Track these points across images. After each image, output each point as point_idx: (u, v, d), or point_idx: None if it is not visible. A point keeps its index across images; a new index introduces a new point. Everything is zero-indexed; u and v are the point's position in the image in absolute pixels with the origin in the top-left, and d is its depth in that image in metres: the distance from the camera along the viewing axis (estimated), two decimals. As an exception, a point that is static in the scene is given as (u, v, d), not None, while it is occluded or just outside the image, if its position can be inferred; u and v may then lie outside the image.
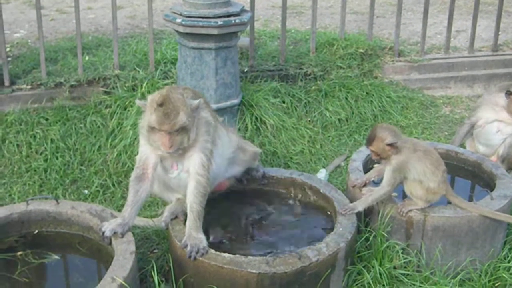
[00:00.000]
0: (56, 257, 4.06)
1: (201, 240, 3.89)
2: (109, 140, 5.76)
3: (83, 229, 4.16)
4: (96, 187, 5.38)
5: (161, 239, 4.56)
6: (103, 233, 3.91)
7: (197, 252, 3.81)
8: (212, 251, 3.84)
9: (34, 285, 3.86)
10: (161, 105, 3.79)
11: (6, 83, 6.17)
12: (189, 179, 4.00)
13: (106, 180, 5.45)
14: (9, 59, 6.53)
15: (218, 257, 3.78)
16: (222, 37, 5.51)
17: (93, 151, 5.73)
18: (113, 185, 5.42)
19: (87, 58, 6.69)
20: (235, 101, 5.82)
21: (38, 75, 6.32)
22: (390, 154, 4.30)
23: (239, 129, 5.88)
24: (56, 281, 3.95)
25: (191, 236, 3.90)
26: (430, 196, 4.32)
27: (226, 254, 3.81)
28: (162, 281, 3.99)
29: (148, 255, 4.44)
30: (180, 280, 3.94)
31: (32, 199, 4.24)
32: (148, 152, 4.02)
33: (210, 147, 4.04)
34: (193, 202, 3.95)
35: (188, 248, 3.83)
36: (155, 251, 4.51)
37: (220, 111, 5.68)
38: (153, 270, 3.94)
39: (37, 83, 6.21)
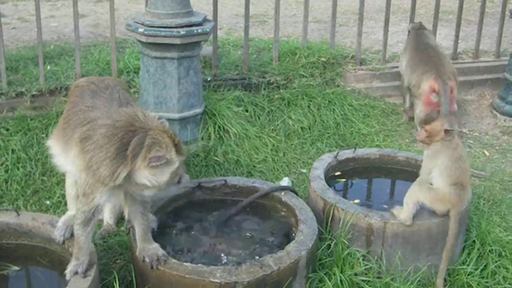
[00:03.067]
0: (16, 268, 4.03)
1: (156, 248, 3.88)
2: (72, 151, 5.71)
3: (44, 240, 4.12)
4: (58, 197, 5.32)
5: (124, 249, 4.55)
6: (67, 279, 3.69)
7: (157, 260, 3.80)
8: (174, 260, 3.85)
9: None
10: None
11: (-33, 93, 6.11)
12: (137, 199, 3.86)
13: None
14: (-30, 68, 6.45)
15: (180, 267, 3.79)
16: (184, 47, 5.54)
17: (55, 161, 5.68)
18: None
19: (49, 67, 6.65)
20: (198, 110, 5.84)
21: (-1, 84, 6.27)
22: (439, 139, 4.43)
23: (202, 138, 5.90)
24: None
25: (145, 248, 3.88)
26: (435, 203, 4.38)
27: (188, 264, 3.82)
28: (119, 294, 3.98)
29: (110, 265, 4.43)
30: (143, 290, 3.94)
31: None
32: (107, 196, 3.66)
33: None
34: (141, 219, 3.92)
35: (147, 260, 3.81)
36: (117, 261, 4.50)
37: (183, 121, 5.72)
38: (115, 281, 3.93)
39: (-3, 92, 6.16)
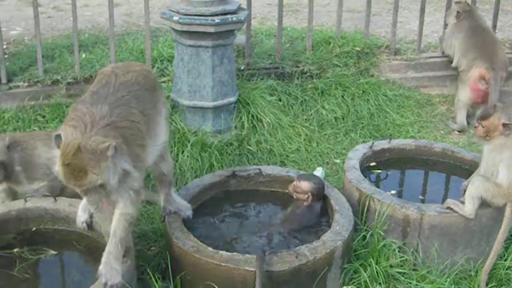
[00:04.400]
0: (53, 252, 4.05)
1: (118, 272, 3.53)
2: (106, 137, 5.75)
3: (80, 226, 4.16)
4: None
5: (158, 237, 4.57)
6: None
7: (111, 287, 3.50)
8: (210, 248, 3.84)
9: (33, 281, 3.85)
10: (67, 165, 3.26)
11: (3, 80, 6.17)
12: (116, 206, 3.63)
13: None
14: (6, 56, 6.51)
15: (215, 255, 3.79)
16: (219, 35, 5.52)
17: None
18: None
19: (83, 55, 6.69)
20: (232, 99, 5.83)
21: (35, 72, 6.32)
22: (497, 134, 4.39)
23: (235, 127, 5.89)
24: (54, 277, 3.94)
25: (108, 264, 3.53)
26: (496, 197, 4.33)
27: (223, 252, 3.81)
28: (159, 279, 3.98)
29: (145, 252, 4.45)
30: (178, 277, 3.94)
31: (30, 197, 4.24)
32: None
33: (138, 182, 3.60)
34: (117, 228, 3.60)
35: (103, 280, 3.48)
36: (152, 248, 4.53)
37: (216, 109, 5.71)
38: (150, 268, 3.95)
39: (34, 80, 6.21)
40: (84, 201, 3.91)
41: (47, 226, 4.17)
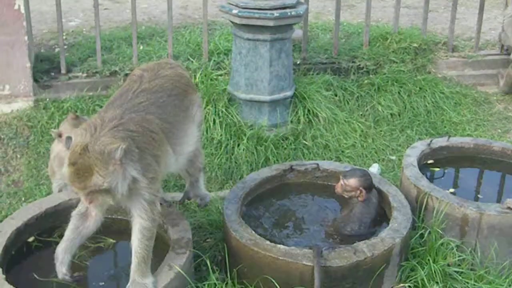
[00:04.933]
0: (111, 240, 4.12)
1: (147, 286, 3.49)
2: (162, 129, 5.80)
3: (139, 216, 4.20)
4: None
5: (214, 229, 4.59)
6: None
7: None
8: (267, 242, 3.85)
9: (92, 268, 3.93)
10: (73, 164, 3.19)
11: (63, 70, 6.29)
12: (133, 221, 3.56)
13: (158, 169, 5.48)
14: (65, 47, 6.62)
15: (273, 249, 3.79)
16: (277, 29, 5.53)
17: (147, 140, 5.78)
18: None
19: (141, 47, 6.77)
20: (288, 93, 5.83)
21: (93, 63, 6.42)
22: None
23: (291, 121, 5.88)
24: (113, 265, 4.00)
25: (135, 281, 3.50)
26: None
27: (281, 246, 3.81)
28: (215, 271, 4.01)
29: (201, 244, 4.48)
30: (234, 270, 3.96)
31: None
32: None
33: (150, 192, 3.49)
34: (137, 247, 3.52)
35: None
36: (207, 240, 4.55)
37: (273, 103, 5.71)
38: (207, 259, 3.97)
39: (92, 71, 6.31)
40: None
41: (106, 215, 4.20)
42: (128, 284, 3.50)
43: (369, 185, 4.39)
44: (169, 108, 3.72)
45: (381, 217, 4.41)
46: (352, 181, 4.39)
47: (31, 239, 4.06)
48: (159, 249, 4.00)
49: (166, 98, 3.72)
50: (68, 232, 3.67)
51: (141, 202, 3.48)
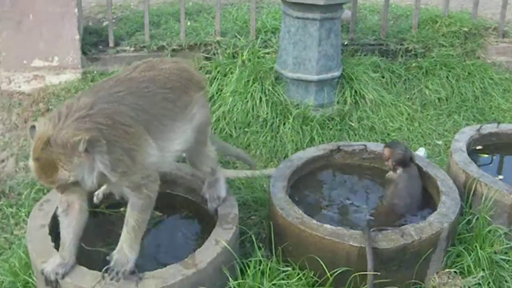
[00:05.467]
0: (158, 213, 4.13)
1: (129, 260, 3.41)
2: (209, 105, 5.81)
3: (185, 190, 4.23)
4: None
5: (259, 206, 4.59)
6: (46, 276, 3.43)
7: (117, 273, 3.35)
8: (314, 221, 3.83)
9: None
10: (37, 159, 3.03)
11: (111, 44, 6.32)
12: (128, 196, 3.44)
13: (204, 144, 5.49)
14: (113, 21, 6.65)
15: (320, 228, 3.77)
16: (327, 8, 5.47)
17: (192, 116, 5.79)
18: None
19: (188, 23, 6.75)
20: (336, 73, 5.78)
21: (141, 37, 6.43)
22: None
23: (337, 102, 5.84)
24: (159, 238, 4.02)
25: (121, 251, 3.43)
26: None
27: (328, 225, 3.79)
28: (260, 248, 4.01)
29: (245, 220, 4.48)
30: (279, 248, 3.95)
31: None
32: None
33: (130, 179, 3.33)
34: (128, 217, 3.43)
35: (111, 263, 3.39)
36: (252, 217, 4.55)
37: (320, 83, 5.67)
38: (253, 236, 3.97)
39: (140, 45, 6.32)
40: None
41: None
42: (115, 250, 3.45)
43: (399, 160, 4.37)
44: (157, 100, 3.48)
45: (427, 203, 4.36)
46: (386, 151, 4.45)
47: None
48: (205, 224, 4.06)
49: (156, 89, 3.49)
50: (64, 234, 3.48)
51: (125, 189, 3.39)
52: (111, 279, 3.35)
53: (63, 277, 3.40)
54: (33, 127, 3.10)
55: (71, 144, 2.98)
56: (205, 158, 3.97)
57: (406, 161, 4.38)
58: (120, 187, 3.38)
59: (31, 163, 3.08)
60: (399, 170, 4.36)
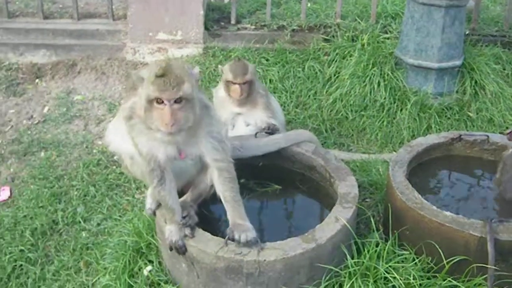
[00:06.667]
0: (278, 187, 4.22)
1: (248, 228, 3.47)
2: (325, 87, 5.87)
3: (305, 167, 4.29)
4: (309, 131, 5.48)
5: (374, 190, 4.60)
6: (178, 246, 3.53)
7: (246, 243, 3.41)
8: (434, 207, 3.81)
9: (259, 211, 4.10)
10: (162, 75, 3.22)
11: (233, 21, 6.46)
12: (210, 168, 3.60)
13: (319, 125, 5.56)
14: (234, -1, 6.79)
15: (439, 214, 3.75)
16: (454, -5, 5.40)
17: (309, 96, 5.87)
18: (326, 130, 5.52)
19: (309, 4, 6.80)
20: (457, 62, 5.70)
21: (262, 16, 6.54)
22: None
23: (457, 91, 5.75)
24: (279, 211, 4.12)
25: (236, 224, 3.50)
26: None
27: (448, 213, 3.76)
28: (379, 229, 4.03)
29: (360, 203, 4.49)
30: (396, 232, 3.95)
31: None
32: (153, 145, 3.43)
33: (216, 129, 3.54)
34: (224, 191, 3.55)
35: (236, 236, 3.43)
36: (366, 200, 4.56)
37: (440, 71, 5.61)
38: (371, 217, 4.00)
39: (260, 24, 6.44)
40: (151, 189, 3.75)
41: (275, 162, 4.31)
42: (229, 226, 3.50)
43: None
44: None
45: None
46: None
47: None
48: (322, 202, 4.11)
49: None
50: (170, 202, 3.56)
51: (210, 141, 3.49)
52: (236, 245, 3.44)
53: (192, 235, 3.52)
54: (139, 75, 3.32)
55: (187, 68, 3.34)
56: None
57: None
58: (204, 145, 3.49)
59: (151, 84, 3.22)
60: None
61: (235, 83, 4.53)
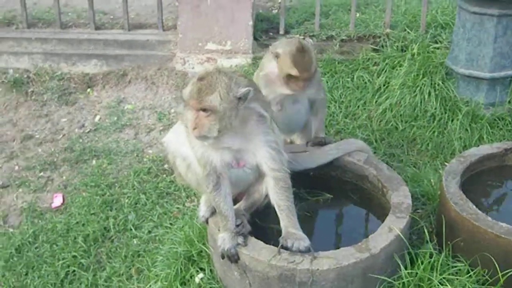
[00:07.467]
0: (329, 195, 4.22)
1: (302, 237, 3.48)
2: (375, 97, 5.84)
3: (356, 177, 4.27)
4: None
5: (426, 200, 4.55)
6: (230, 254, 3.54)
7: (301, 251, 3.41)
8: (489, 218, 3.75)
9: (312, 219, 4.09)
10: (201, 79, 3.32)
11: (281, 31, 6.50)
12: (266, 177, 3.61)
13: (369, 136, 5.52)
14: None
15: (495, 226, 3.69)
16: (507, 4, 5.33)
17: (358, 106, 5.84)
18: (376, 141, 5.49)
19: (357, 14, 6.79)
20: (510, 72, 5.63)
21: (310, 26, 6.56)
22: None
23: (509, 102, 5.67)
24: (330, 219, 4.12)
25: (289, 233, 3.51)
26: None
27: (503, 224, 3.70)
28: (433, 240, 3.98)
29: (412, 213, 4.46)
30: (449, 243, 3.90)
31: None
32: (206, 149, 3.50)
33: (273, 138, 3.54)
34: (279, 200, 3.57)
35: (289, 245, 3.43)
36: (418, 211, 4.52)
37: (492, 81, 5.54)
38: (425, 227, 3.95)
39: (309, 34, 6.44)
40: (206, 195, 3.79)
41: (326, 171, 4.31)
42: (282, 235, 3.51)
43: None
44: None
45: None
46: None
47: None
48: (374, 212, 4.09)
49: None
50: (225, 209, 3.58)
51: (268, 151, 3.51)
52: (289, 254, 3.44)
53: (245, 243, 3.53)
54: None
55: (234, 82, 3.34)
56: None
57: None
58: (259, 153, 3.52)
59: (193, 84, 3.33)
60: None
61: (298, 78, 4.10)
